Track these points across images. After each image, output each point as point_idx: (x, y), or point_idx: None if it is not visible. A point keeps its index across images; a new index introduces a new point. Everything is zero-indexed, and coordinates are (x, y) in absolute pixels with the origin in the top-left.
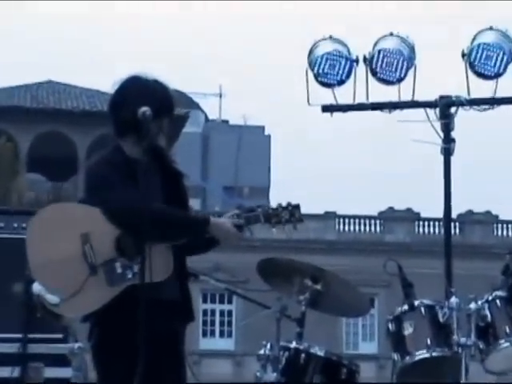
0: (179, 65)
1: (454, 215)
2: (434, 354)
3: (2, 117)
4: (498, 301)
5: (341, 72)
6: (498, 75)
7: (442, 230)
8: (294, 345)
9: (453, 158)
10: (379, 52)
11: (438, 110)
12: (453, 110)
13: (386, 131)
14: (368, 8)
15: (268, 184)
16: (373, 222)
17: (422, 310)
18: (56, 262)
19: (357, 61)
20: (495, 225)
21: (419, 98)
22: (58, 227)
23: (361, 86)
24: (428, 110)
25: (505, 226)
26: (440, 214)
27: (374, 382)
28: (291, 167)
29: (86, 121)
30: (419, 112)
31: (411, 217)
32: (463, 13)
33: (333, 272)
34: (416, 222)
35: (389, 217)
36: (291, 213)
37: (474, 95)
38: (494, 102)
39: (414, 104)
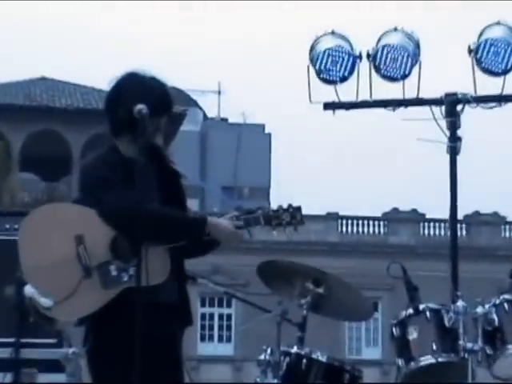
0: (177, 61)
1: (460, 216)
2: (439, 359)
3: None
4: (505, 304)
5: (343, 68)
6: (505, 71)
7: (448, 232)
8: (295, 350)
9: (459, 157)
10: (383, 47)
11: (443, 107)
12: (459, 107)
13: (389, 129)
14: (368, 8)
15: (268, 184)
16: (376, 223)
17: (428, 314)
18: (49, 264)
19: (360, 57)
20: (503, 226)
21: (424, 95)
22: (52, 228)
23: (364, 83)
24: (433, 107)
25: None
26: (446, 214)
27: None
28: (292, 166)
29: (81, 119)
30: (424, 110)
31: (416, 218)
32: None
33: (335, 275)
34: (421, 224)
35: (393, 218)
36: (292, 215)
37: (481, 92)
38: (501, 99)
39: (418, 101)
